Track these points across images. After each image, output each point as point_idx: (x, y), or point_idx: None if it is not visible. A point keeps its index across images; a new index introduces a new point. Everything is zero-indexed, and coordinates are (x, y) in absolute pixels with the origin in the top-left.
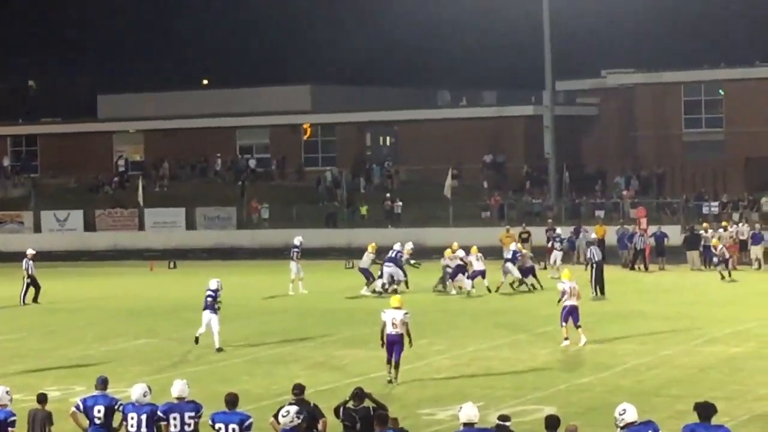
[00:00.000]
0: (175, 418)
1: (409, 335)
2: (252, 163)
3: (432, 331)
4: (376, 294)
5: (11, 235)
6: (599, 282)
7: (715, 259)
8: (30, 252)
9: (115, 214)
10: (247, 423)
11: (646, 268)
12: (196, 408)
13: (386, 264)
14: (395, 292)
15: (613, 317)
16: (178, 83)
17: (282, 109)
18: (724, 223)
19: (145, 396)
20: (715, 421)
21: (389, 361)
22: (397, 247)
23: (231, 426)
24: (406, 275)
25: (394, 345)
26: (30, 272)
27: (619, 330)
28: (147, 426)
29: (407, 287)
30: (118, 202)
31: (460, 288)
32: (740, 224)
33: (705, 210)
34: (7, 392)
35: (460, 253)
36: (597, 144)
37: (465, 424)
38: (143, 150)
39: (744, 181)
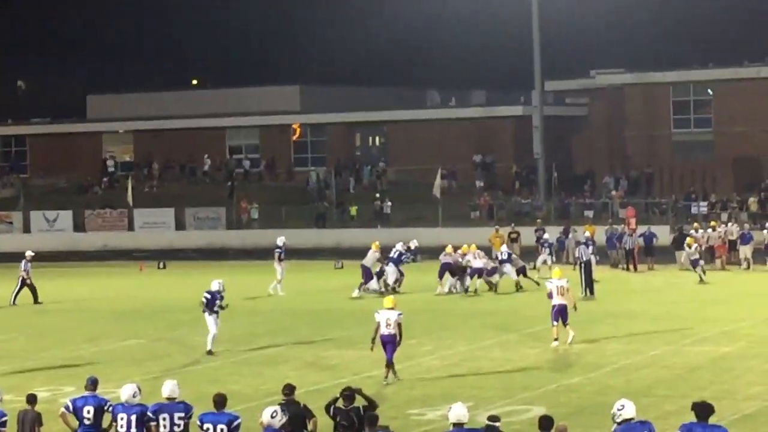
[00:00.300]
0: (164, 419)
1: (400, 335)
2: (246, 164)
3: (421, 332)
4: (378, 293)
5: (0, 236)
6: (588, 281)
7: (690, 259)
8: (29, 254)
9: (105, 215)
10: (235, 423)
11: (635, 268)
12: (186, 408)
13: (388, 264)
14: (394, 291)
15: (602, 317)
16: (167, 83)
17: (271, 110)
18: (712, 223)
19: (134, 396)
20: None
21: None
22: (398, 247)
23: (219, 426)
24: (403, 275)
25: (388, 345)
26: (27, 274)
27: (608, 330)
28: (137, 426)
29: (397, 288)
30: (108, 203)
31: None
32: (729, 224)
33: (694, 210)
34: None
35: (469, 255)
36: (586, 144)
37: (454, 425)
38: (133, 150)
39: (733, 182)
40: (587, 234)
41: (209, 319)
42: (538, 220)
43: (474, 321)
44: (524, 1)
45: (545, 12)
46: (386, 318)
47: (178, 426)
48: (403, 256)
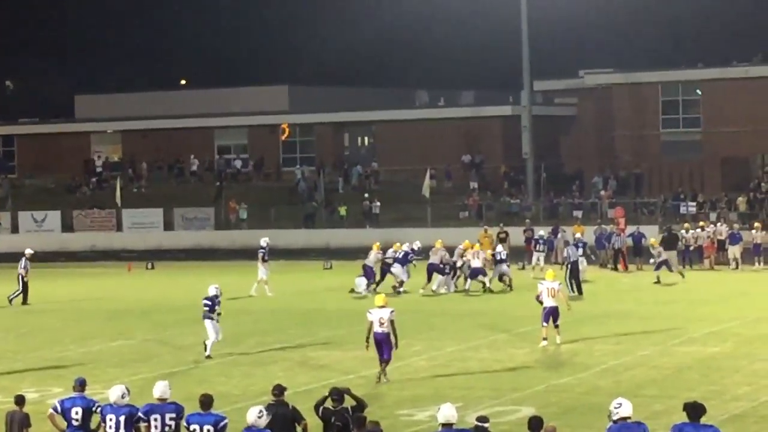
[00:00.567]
0: (156, 419)
1: (395, 334)
2: (238, 163)
3: (409, 332)
4: (362, 296)
5: None
6: (576, 281)
7: (651, 260)
8: (28, 252)
9: (93, 215)
10: (222, 424)
11: (626, 268)
12: (177, 409)
13: (394, 264)
14: (397, 291)
15: (590, 317)
16: (155, 83)
17: (260, 110)
18: (701, 223)
19: (123, 397)
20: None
21: (382, 361)
22: (405, 247)
23: (206, 427)
24: (408, 276)
25: (382, 343)
26: (26, 272)
27: (597, 330)
28: (125, 427)
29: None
30: (96, 203)
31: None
32: (718, 224)
33: (682, 210)
34: None
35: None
36: (575, 144)
37: (443, 425)
38: (121, 150)
39: (721, 181)
40: (578, 235)
41: (209, 325)
42: (527, 220)
43: (463, 321)
44: (513, 2)
45: (534, 12)
46: (379, 317)
47: (170, 427)
48: (410, 256)
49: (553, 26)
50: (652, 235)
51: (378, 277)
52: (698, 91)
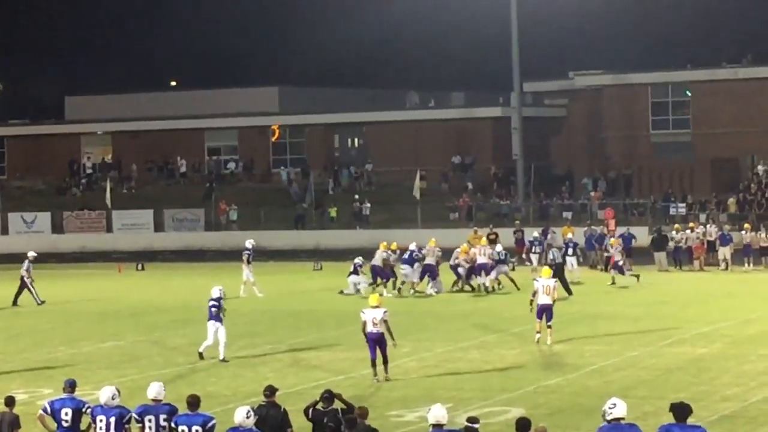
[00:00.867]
0: (150, 420)
1: (390, 333)
2: (231, 165)
3: (399, 333)
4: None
5: None
6: (563, 282)
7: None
8: (31, 254)
9: (83, 216)
10: (210, 424)
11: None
12: (172, 410)
13: (402, 265)
14: (399, 290)
15: (580, 318)
16: (145, 85)
17: (250, 111)
18: (691, 224)
19: (113, 399)
20: (688, 421)
21: (373, 362)
22: (412, 246)
23: (194, 428)
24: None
25: (377, 342)
26: (28, 274)
27: (587, 331)
28: (116, 428)
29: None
30: (86, 204)
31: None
32: (708, 225)
33: (672, 211)
34: None
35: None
36: (565, 145)
37: (434, 426)
38: (111, 152)
39: (711, 182)
40: (569, 236)
41: (213, 327)
42: (517, 222)
43: (452, 322)
44: (503, 3)
45: (524, 13)
46: (372, 317)
47: (164, 428)
48: (413, 254)
49: (543, 27)
50: (642, 236)
51: (375, 279)
52: (688, 92)
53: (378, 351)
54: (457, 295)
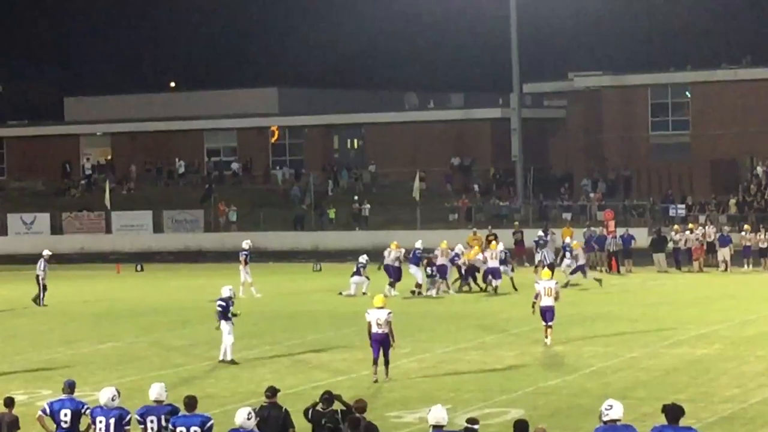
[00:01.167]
0: (152, 421)
1: (392, 334)
2: (235, 165)
3: (398, 334)
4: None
5: None
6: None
7: (567, 261)
8: (46, 253)
9: (82, 217)
10: (208, 425)
11: (618, 271)
12: (174, 411)
13: (410, 266)
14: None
15: (579, 319)
16: (144, 86)
17: (249, 112)
18: (690, 226)
19: (113, 400)
20: (680, 423)
21: (375, 361)
22: (417, 245)
23: (192, 428)
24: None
25: (380, 344)
26: (44, 273)
27: (585, 332)
28: (115, 429)
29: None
30: (85, 205)
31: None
32: (707, 226)
33: (671, 212)
34: None
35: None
36: (564, 146)
37: (434, 427)
38: (110, 153)
39: (710, 183)
40: (567, 240)
41: (227, 327)
42: (516, 223)
43: (452, 323)
44: (502, 4)
45: (523, 15)
46: (376, 318)
47: (166, 429)
48: (418, 253)
49: (543, 29)
50: (641, 237)
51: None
52: (687, 93)
53: (380, 351)
54: (456, 296)
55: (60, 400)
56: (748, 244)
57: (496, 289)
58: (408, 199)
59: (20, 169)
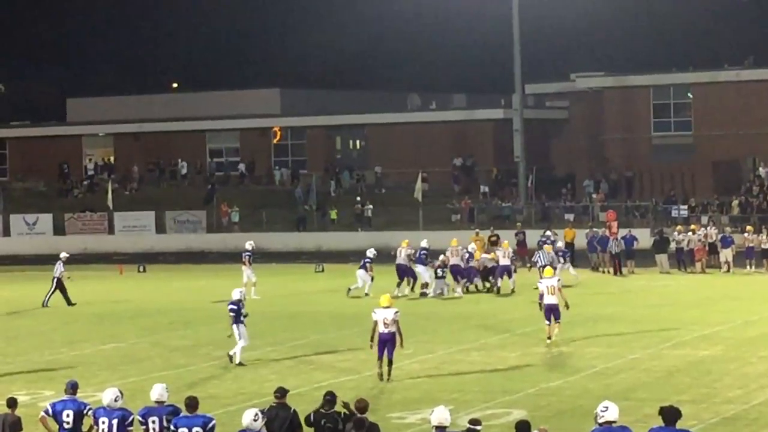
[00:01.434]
0: (153, 422)
1: (400, 334)
2: (242, 166)
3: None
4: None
5: None
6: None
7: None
8: (64, 255)
9: (85, 218)
10: (210, 425)
11: (620, 272)
12: (175, 411)
13: (416, 265)
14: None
15: (581, 320)
16: (147, 86)
17: (252, 113)
18: (692, 227)
19: (116, 401)
20: (683, 425)
21: (380, 359)
22: (423, 244)
23: (195, 429)
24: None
25: (386, 343)
26: (59, 275)
27: (588, 333)
28: (118, 430)
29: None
30: (88, 206)
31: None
32: (709, 227)
33: (674, 213)
34: None
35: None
36: (566, 147)
37: (437, 428)
38: (113, 153)
39: (713, 184)
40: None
41: (239, 330)
42: (518, 224)
43: (454, 324)
44: (504, 5)
45: (525, 16)
46: (383, 317)
47: (167, 429)
48: (423, 253)
49: (545, 29)
50: (643, 238)
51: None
52: (689, 94)
53: (385, 351)
54: (456, 296)
55: (62, 400)
56: (751, 245)
57: (498, 289)
58: (410, 199)
59: (23, 169)
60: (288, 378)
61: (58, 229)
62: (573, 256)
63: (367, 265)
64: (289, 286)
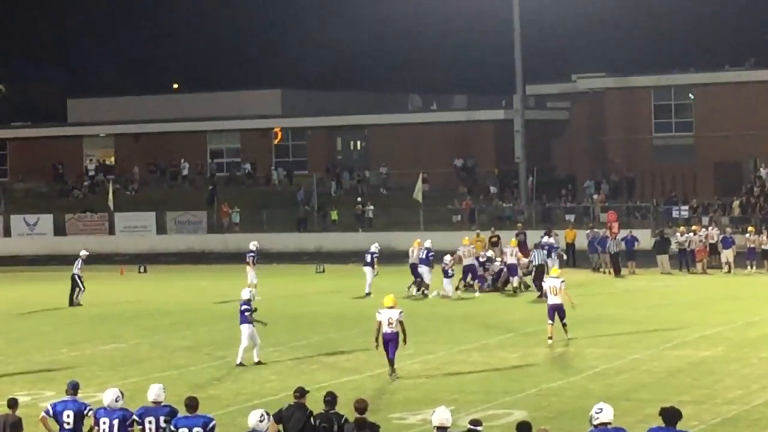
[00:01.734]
0: (150, 422)
1: (404, 333)
2: (246, 166)
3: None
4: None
5: None
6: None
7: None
8: (83, 253)
9: (86, 219)
10: (210, 425)
11: (619, 272)
12: (172, 412)
13: (420, 265)
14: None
15: (582, 321)
16: (148, 87)
17: (252, 114)
18: (694, 228)
19: (117, 401)
20: (684, 425)
21: (390, 362)
22: (427, 244)
23: (195, 429)
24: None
25: (389, 343)
26: (78, 272)
27: (589, 334)
28: (119, 431)
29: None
30: (89, 207)
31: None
32: (710, 228)
33: (675, 214)
34: None
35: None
36: (567, 148)
37: (437, 428)
38: (113, 154)
39: (714, 185)
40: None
41: (247, 330)
42: (519, 224)
43: (454, 325)
44: (505, 6)
45: (526, 17)
46: (387, 317)
47: (164, 429)
48: (429, 254)
49: (546, 30)
50: (644, 239)
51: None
52: (691, 95)
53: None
54: (476, 296)
55: (63, 401)
56: (752, 245)
57: (515, 289)
58: (411, 200)
59: (23, 170)
60: (289, 378)
61: (59, 230)
62: (574, 256)
63: (374, 258)
64: (289, 287)
